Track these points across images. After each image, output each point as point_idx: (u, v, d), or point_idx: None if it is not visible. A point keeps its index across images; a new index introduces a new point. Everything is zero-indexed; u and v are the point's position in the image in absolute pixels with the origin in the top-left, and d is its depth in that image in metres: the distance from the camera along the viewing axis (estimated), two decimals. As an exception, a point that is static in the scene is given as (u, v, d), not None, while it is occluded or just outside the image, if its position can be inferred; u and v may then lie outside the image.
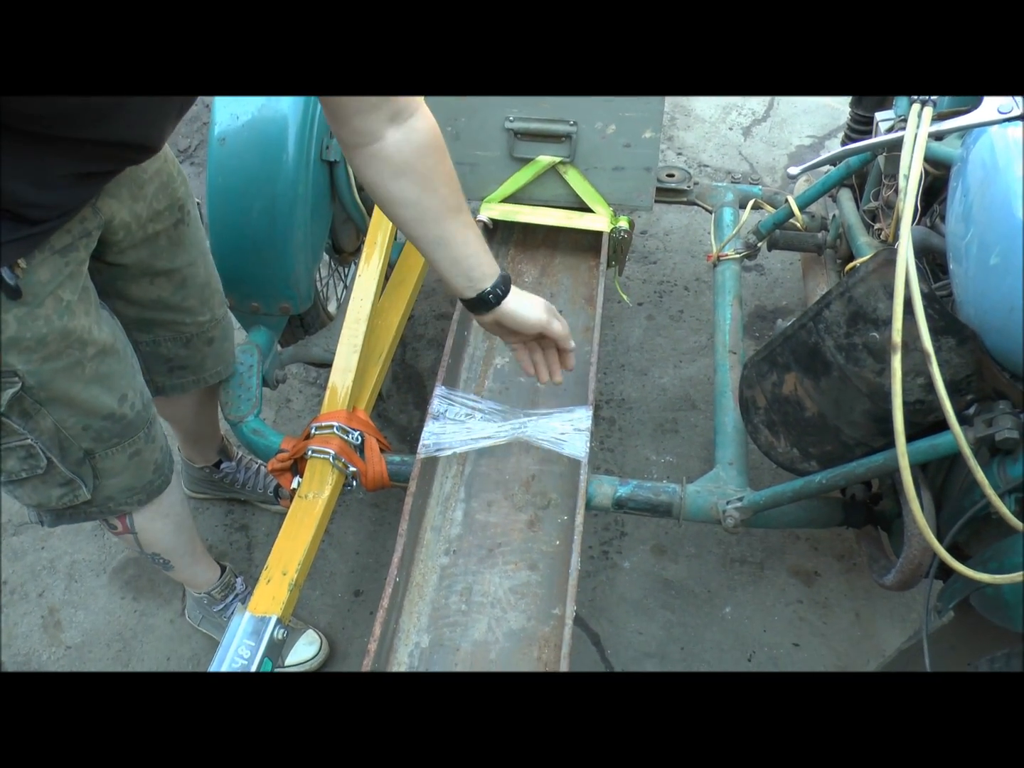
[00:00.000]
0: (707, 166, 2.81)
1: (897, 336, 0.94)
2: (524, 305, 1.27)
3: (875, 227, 1.65)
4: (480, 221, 1.78)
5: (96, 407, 1.18)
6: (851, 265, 1.58)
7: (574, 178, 1.80)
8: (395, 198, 1.15)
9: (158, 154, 1.22)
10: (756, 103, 3.06)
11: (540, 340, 1.34)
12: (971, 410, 1.12)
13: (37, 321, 1.05)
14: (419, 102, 1.13)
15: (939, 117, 1.13)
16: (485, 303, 1.24)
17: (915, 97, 1.01)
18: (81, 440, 1.19)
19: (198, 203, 1.38)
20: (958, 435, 0.97)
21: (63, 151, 0.96)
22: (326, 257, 2.00)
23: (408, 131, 1.11)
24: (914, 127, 0.95)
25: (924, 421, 1.14)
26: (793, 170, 1.18)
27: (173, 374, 1.46)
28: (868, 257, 1.49)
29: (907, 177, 0.91)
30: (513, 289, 1.26)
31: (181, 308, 1.37)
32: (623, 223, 1.78)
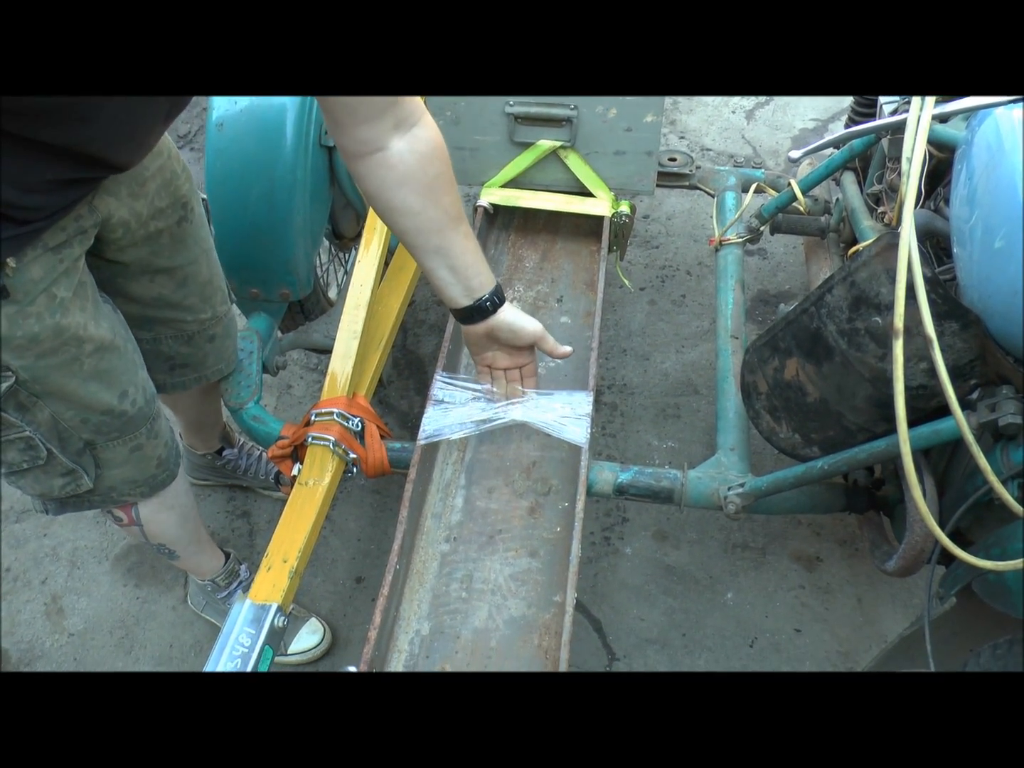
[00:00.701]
0: (710, 150, 2.79)
1: (899, 321, 0.93)
2: (520, 315, 1.28)
3: (879, 211, 1.64)
4: (480, 206, 1.77)
5: (94, 403, 1.17)
6: (854, 249, 1.57)
7: (575, 162, 1.78)
8: (397, 207, 1.14)
9: (160, 151, 1.20)
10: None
11: (509, 370, 1.35)
12: (974, 395, 1.11)
13: (28, 319, 1.04)
14: (423, 111, 1.12)
15: (943, 99, 1.12)
16: (481, 311, 1.24)
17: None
18: (81, 431, 1.19)
19: (204, 199, 1.36)
20: (960, 421, 0.96)
21: (44, 154, 0.95)
22: (326, 243, 1.99)
23: (412, 140, 1.10)
24: (918, 109, 0.93)
25: (927, 406, 1.13)
26: (795, 153, 1.17)
27: (174, 372, 1.45)
28: (871, 241, 1.48)
29: (910, 160, 0.90)
30: (506, 309, 1.27)
31: (182, 306, 1.35)
32: (624, 208, 1.76)
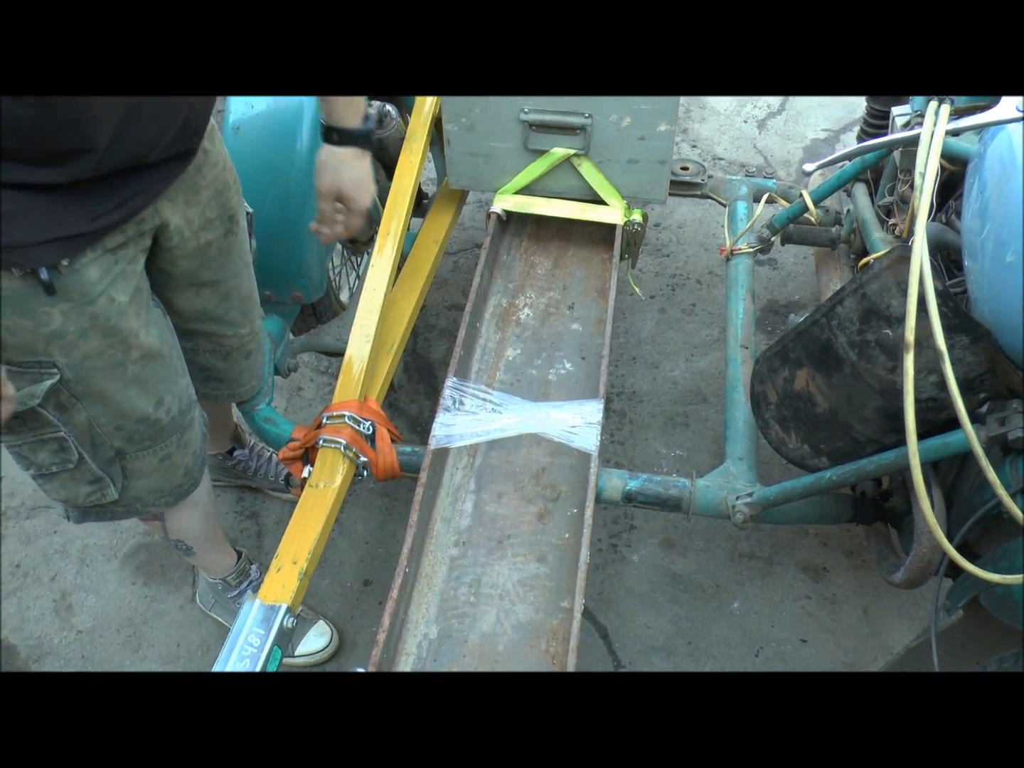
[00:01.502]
0: (721, 159, 2.80)
1: (910, 335, 0.94)
2: (328, 163, 1.30)
3: (890, 223, 1.64)
4: (494, 212, 1.78)
5: (131, 409, 1.18)
6: (864, 261, 1.57)
7: (588, 170, 1.79)
8: None
9: (216, 162, 1.22)
10: (771, 96, 3.04)
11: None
12: (983, 408, 1.11)
13: (83, 317, 1.06)
14: None
15: (956, 113, 1.12)
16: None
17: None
18: (113, 439, 1.20)
19: (249, 212, 1.37)
20: (970, 434, 0.96)
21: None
22: (338, 246, 2.00)
23: None
24: (931, 125, 0.94)
25: (936, 419, 1.14)
26: (808, 167, 1.17)
27: (208, 382, 1.46)
28: (882, 253, 1.48)
29: (923, 175, 0.90)
30: (347, 150, 1.29)
31: (223, 320, 1.37)
32: (636, 216, 1.77)
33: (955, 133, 1.27)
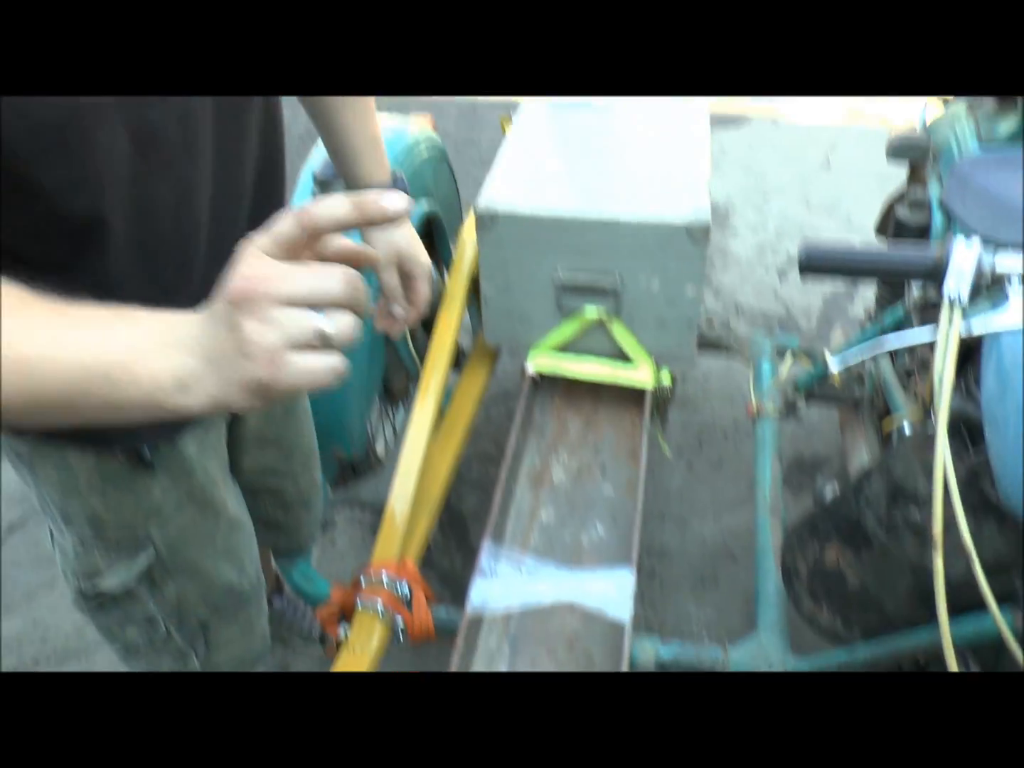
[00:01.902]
0: (743, 307, 2.87)
1: (938, 533, 0.96)
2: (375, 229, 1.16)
3: (911, 382, 1.68)
4: (530, 376, 1.83)
5: (218, 579, 1.17)
6: (888, 429, 1.61)
7: (619, 331, 1.85)
8: None
9: None
10: (791, 244, 3.13)
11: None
12: (1019, 585, 1.12)
13: (180, 490, 1.05)
14: None
15: (968, 309, 1.16)
16: None
17: (947, 296, 1.03)
18: (198, 610, 1.17)
19: None
20: (1001, 625, 0.98)
21: None
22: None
23: None
24: (946, 330, 0.99)
25: (970, 597, 1.14)
26: (833, 364, 1.23)
27: (268, 530, 1.42)
28: (905, 420, 1.52)
29: (942, 379, 0.95)
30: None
31: (287, 474, 1.36)
32: (665, 379, 1.82)
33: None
